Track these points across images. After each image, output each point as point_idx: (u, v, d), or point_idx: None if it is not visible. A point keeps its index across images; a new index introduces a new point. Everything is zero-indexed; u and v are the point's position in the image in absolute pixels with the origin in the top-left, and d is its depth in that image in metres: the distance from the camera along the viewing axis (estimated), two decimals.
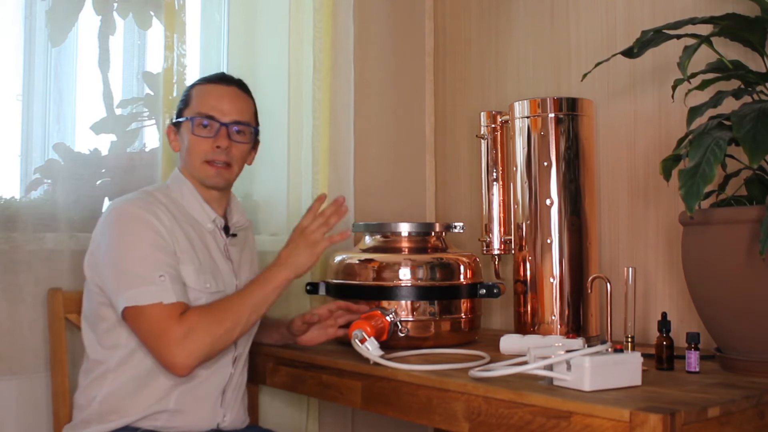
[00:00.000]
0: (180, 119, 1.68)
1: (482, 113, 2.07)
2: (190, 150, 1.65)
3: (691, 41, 1.52)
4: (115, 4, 2.00)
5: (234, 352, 1.66)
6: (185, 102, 1.69)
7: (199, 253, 1.61)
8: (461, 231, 1.95)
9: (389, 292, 1.79)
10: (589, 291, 1.83)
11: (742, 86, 1.56)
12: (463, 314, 1.84)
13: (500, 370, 1.37)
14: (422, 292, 1.79)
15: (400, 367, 1.51)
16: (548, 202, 1.87)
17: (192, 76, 2.03)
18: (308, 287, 1.96)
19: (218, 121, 1.64)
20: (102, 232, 1.57)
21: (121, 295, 1.49)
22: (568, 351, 1.34)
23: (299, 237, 1.62)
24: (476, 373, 1.39)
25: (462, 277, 1.86)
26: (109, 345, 1.56)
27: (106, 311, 1.55)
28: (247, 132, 1.68)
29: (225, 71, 2.16)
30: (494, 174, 2.05)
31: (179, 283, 1.52)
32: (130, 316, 1.50)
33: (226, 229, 1.71)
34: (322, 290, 1.93)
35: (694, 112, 1.53)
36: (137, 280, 1.49)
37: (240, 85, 1.71)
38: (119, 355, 1.55)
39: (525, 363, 1.36)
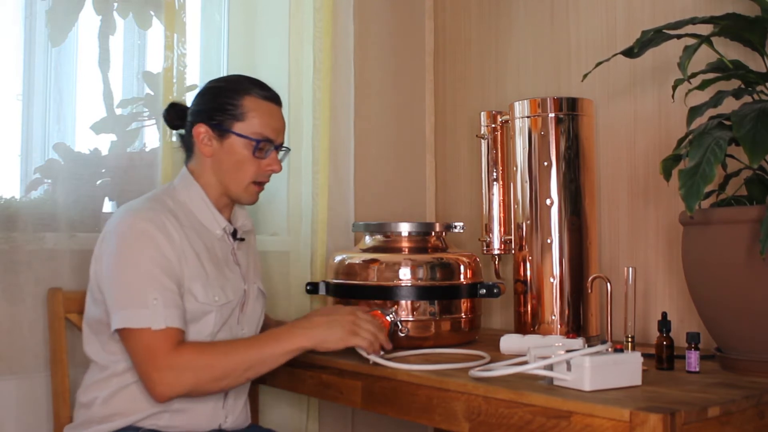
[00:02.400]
0: (229, 131, 1.61)
1: (482, 113, 2.07)
2: (240, 167, 1.62)
3: (691, 41, 1.52)
4: (115, 4, 2.00)
5: None
6: (237, 113, 1.61)
7: (207, 266, 1.58)
8: (461, 231, 1.95)
9: (389, 292, 1.79)
10: (589, 291, 1.83)
11: (742, 86, 1.56)
12: (463, 314, 1.84)
13: (500, 370, 1.37)
14: (422, 292, 1.79)
15: (400, 367, 1.51)
16: (548, 202, 1.87)
17: (192, 76, 2.03)
18: (308, 287, 1.96)
19: (273, 144, 1.64)
20: (107, 242, 1.54)
21: (114, 314, 1.48)
22: (568, 351, 1.34)
23: (346, 317, 1.55)
24: (476, 373, 1.39)
25: (462, 277, 1.86)
26: (113, 350, 1.54)
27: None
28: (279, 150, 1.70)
29: (225, 71, 2.14)
30: (494, 174, 2.05)
31: (173, 307, 1.48)
32: (123, 337, 1.49)
33: (234, 233, 1.70)
34: (322, 290, 1.93)
35: (694, 112, 1.53)
36: (130, 301, 1.47)
37: (281, 104, 1.71)
38: (125, 361, 1.53)
39: (525, 363, 1.36)
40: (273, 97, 1.67)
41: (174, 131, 1.75)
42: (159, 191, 1.65)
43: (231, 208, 1.71)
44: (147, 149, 2.04)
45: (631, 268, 1.64)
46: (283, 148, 1.70)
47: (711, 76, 1.56)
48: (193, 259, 1.56)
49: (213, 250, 1.62)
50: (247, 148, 1.62)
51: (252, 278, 1.72)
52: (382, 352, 1.59)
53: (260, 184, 1.66)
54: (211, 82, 1.70)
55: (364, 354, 1.57)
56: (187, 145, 1.68)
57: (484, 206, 2.06)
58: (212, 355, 1.48)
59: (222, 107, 1.62)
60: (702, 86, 1.56)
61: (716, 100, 1.54)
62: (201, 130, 1.63)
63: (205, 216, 1.64)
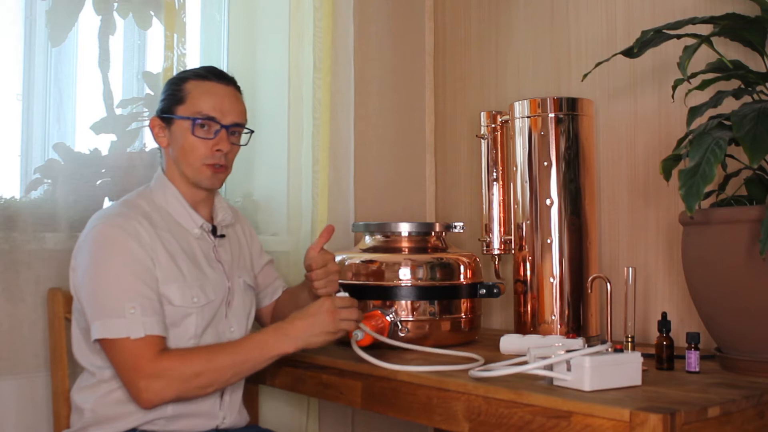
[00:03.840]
0: (172, 115, 1.61)
1: (482, 113, 2.07)
2: (188, 151, 1.60)
3: (691, 41, 1.52)
4: (115, 4, 2.00)
5: None
6: (178, 97, 1.61)
7: (184, 267, 1.56)
8: (461, 231, 1.95)
9: (389, 292, 1.79)
10: (589, 291, 1.83)
11: (742, 86, 1.56)
12: (463, 314, 1.84)
13: (500, 370, 1.37)
14: (422, 292, 1.79)
15: (400, 368, 1.51)
16: (548, 202, 1.87)
17: None
18: None
19: (219, 123, 1.60)
20: (81, 251, 1.54)
21: (93, 324, 1.48)
22: (568, 351, 1.34)
23: (325, 317, 1.52)
24: (476, 373, 1.39)
25: (462, 277, 1.86)
26: (101, 357, 1.53)
27: None
28: (241, 133, 1.67)
29: (225, 71, 2.15)
30: (494, 174, 2.05)
31: (152, 314, 1.48)
32: (104, 347, 1.49)
33: (214, 230, 1.68)
34: None
35: (694, 112, 1.53)
36: (107, 311, 1.46)
37: (236, 85, 1.67)
38: (111, 368, 1.52)
39: (525, 363, 1.36)
40: (215, 76, 1.64)
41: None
42: (134, 195, 1.64)
43: (210, 204, 1.69)
44: (147, 149, 2.04)
45: (631, 268, 1.64)
46: (244, 129, 1.66)
47: (711, 76, 1.56)
48: (166, 261, 1.54)
49: (191, 250, 1.61)
50: (189, 129, 1.59)
51: (237, 273, 1.70)
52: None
53: (215, 166, 1.61)
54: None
55: (362, 356, 1.56)
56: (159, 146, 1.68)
57: (484, 206, 2.06)
58: (198, 362, 1.48)
59: (168, 96, 1.63)
60: (702, 86, 1.56)
61: (716, 100, 1.54)
62: (154, 124, 1.64)
63: (182, 216, 1.62)
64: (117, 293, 1.47)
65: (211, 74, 1.64)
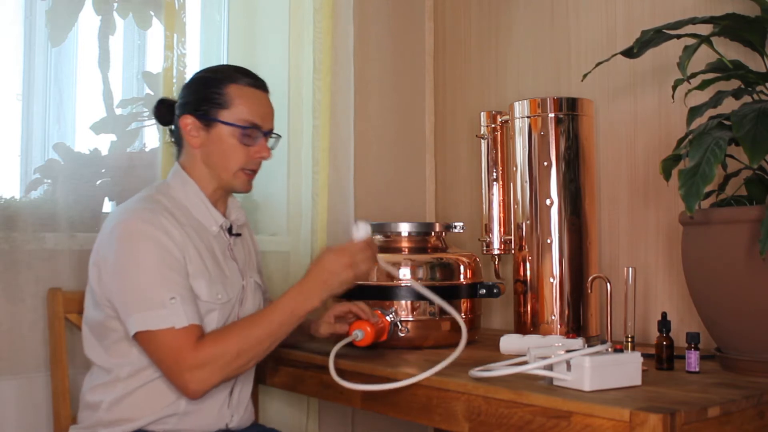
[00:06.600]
0: (214, 119, 1.59)
1: (482, 113, 2.07)
2: (229, 156, 1.60)
3: (691, 41, 1.52)
4: (115, 4, 2.00)
5: None
6: (220, 102, 1.60)
7: (208, 263, 1.57)
8: (461, 231, 1.95)
9: (389, 292, 1.78)
10: (589, 291, 1.83)
11: (742, 86, 1.56)
12: (462, 314, 1.84)
13: (500, 370, 1.37)
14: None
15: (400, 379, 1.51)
16: (548, 202, 1.87)
17: None
18: None
19: (261, 131, 1.62)
20: (108, 246, 1.52)
21: (131, 317, 1.46)
22: (568, 351, 1.34)
23: (343, 273, 1.50)
24: (476, 373, 1.39)
25: (462, 276, 1.86)
26: (117, 355, 1.53)
27: (116, 324, 1.52)
28: (272, 138, 1.68)
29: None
30: (494, 174, 2.05)
31: (191, 303, 1.48)
32: (143, 340, 1.47)
33: (230, 229, 1.68)
34: None
35: (694, 112, 1.53)
36: (148, 303, 1.45)
37: (268, 89, 1.68)
38: (129, 367, 1.52)
39: (525, 363, 1.36)
40: (258, 84, 1.66)
41: (165, 127, 1.74)
42: (152, 190, 1.62)
43: (225, 203, 1.70)
44: (147, 149, 2.04)
45: (631, 268, 1.64)
46: (273, 135, 1.68)
47: (711, 76, 1.56)
48: (195, 257, 1.54)
49: (211, 247, 1.61)
50: (234, 136, 1.60)
51: (249, 273, 1.71)
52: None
53: (250, 172, 1.64)
54: (196, 73, 1.69)
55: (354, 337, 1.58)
56: (177, 139, 1.67)
57: (484, 206, 2.06)
58: (236, 342, 1.47)
59: (207, 97, 1.61)
60: (702, 86, 1.56)
61: (716, 100, 1.54)
62: (188, 122, 1.62)
63: (201, 213, 1.62)
64: (156, 284, 1.47)
65: (252, 81, 1.65)
